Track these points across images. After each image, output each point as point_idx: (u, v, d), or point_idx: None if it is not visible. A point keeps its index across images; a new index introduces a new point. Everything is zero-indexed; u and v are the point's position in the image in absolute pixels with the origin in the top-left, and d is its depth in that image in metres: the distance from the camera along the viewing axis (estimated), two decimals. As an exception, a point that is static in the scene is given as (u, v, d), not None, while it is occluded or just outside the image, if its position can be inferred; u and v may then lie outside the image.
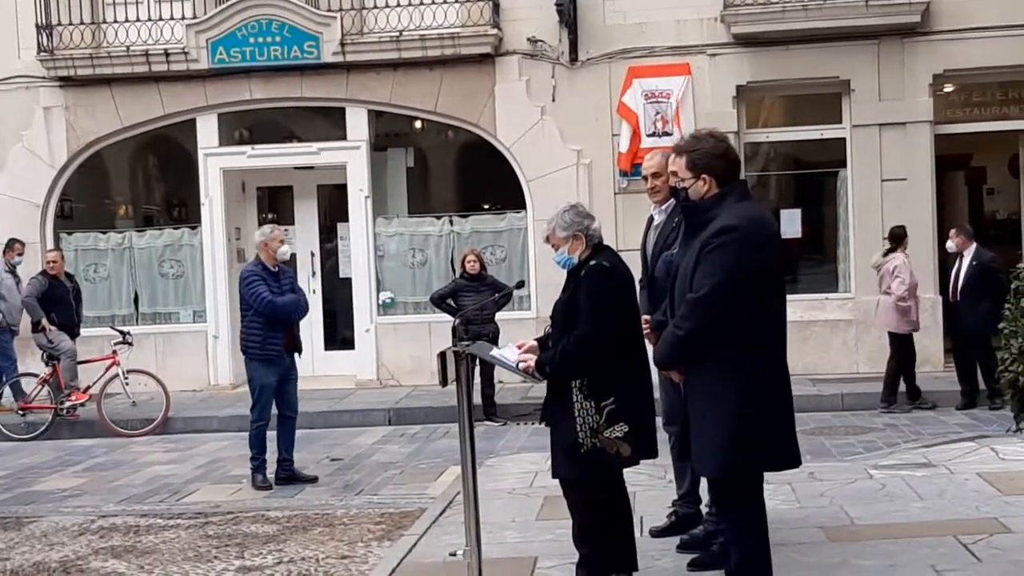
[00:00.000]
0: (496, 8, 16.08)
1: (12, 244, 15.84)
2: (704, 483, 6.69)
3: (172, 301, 17.34)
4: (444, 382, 6.22)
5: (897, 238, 13.76)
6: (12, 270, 15.57)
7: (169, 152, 18.02)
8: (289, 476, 10.88)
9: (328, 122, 17.20)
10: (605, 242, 6.25)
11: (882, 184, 15.66)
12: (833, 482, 8.53)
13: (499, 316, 14.08)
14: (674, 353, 5.59)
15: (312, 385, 15.18)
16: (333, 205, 17.68)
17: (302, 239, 17.36)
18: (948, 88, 16.08)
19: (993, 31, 15.23)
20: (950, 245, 13.83)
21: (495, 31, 15.99)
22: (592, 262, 6.04)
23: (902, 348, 13.59)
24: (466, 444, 6.28)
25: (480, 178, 17.70)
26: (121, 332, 14.94)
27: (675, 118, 15.41)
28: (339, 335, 17.58)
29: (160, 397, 14.71)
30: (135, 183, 19.34)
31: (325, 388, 15.96)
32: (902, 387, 13.54)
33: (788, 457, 5.56)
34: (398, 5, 16.16)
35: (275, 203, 18.16)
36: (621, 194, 15.70)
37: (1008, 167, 20.40)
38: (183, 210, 18.04)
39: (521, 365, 6.19)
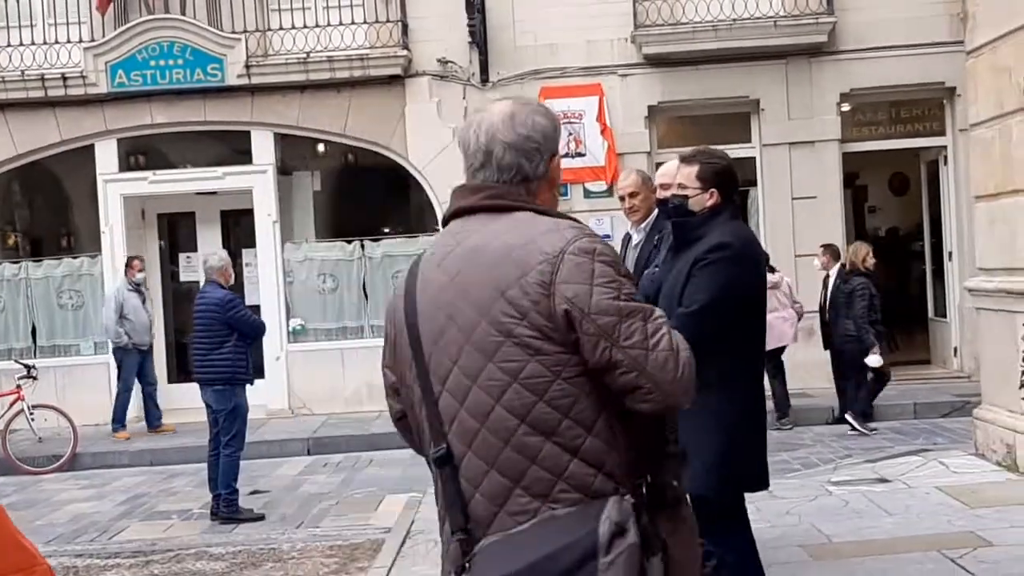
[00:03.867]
0: (405, 29, 15.87)
1: (131, 261, 15.35)
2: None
3: (72, 333, 16.70)
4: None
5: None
6: (137, 288, 15.12)
7: (66, 179, 17.43)
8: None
9: (232, 146, 16.79)
10: None
11: (792, 202, 15.83)
12: (795, 499, 8.51)
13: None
14: None
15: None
16: (237, 230, 17.26)
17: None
18: (846, 107, 16.28)
19: (896, 50, 15.49)
20: (816, 264, 13.81)
21: (404, 52, 15.78)
22: None
23: None
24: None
25: (391, 201, 17.40)
26: (26, 366, 14.37)
27: (605, 134, 15.53)
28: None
29: (65, 432, 14.19)
30: (29, 211, 18.64)
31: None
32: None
33: (766, 477, 5.53)
34: (304, 27, 15.85)
35: (176, 230, 17.69)
36: (536, 215, 15.53)
37: (888, 185, 20.92)
38: (80, 239, 17.43)
39: None
